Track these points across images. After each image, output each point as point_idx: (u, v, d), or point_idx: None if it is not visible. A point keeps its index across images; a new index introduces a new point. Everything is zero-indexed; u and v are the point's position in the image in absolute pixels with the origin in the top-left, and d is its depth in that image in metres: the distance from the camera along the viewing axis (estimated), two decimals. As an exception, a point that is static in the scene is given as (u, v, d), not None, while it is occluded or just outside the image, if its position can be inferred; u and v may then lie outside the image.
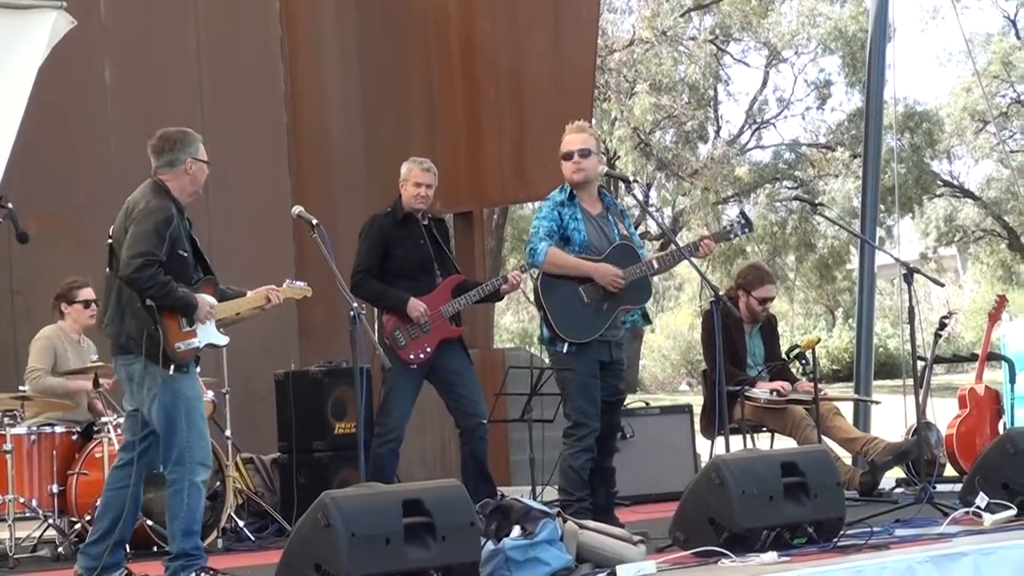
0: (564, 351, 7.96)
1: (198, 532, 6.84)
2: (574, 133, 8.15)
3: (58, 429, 8.64)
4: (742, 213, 8.65)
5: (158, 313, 6.64)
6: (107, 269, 6.93)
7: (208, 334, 6.87)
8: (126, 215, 6.79)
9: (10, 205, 7.14)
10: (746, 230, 8.45)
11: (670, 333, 39.10)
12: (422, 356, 8.63)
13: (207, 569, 6.79)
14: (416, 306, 8.58)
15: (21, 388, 8.68)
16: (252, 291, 7.32)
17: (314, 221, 7.04)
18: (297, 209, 7.24)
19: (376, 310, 8.76)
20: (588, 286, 8.00)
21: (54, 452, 8.55)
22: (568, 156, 8.09)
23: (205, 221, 12.28)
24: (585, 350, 7.95)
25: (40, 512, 8.51)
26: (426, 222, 8.86)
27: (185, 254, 6.80)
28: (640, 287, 8.14)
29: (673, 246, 8.27)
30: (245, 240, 12.43)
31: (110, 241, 6.86)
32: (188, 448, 6.72)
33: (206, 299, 6.83)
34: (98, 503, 7.12)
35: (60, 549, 8.38)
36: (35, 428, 8.62)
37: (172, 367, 6.68)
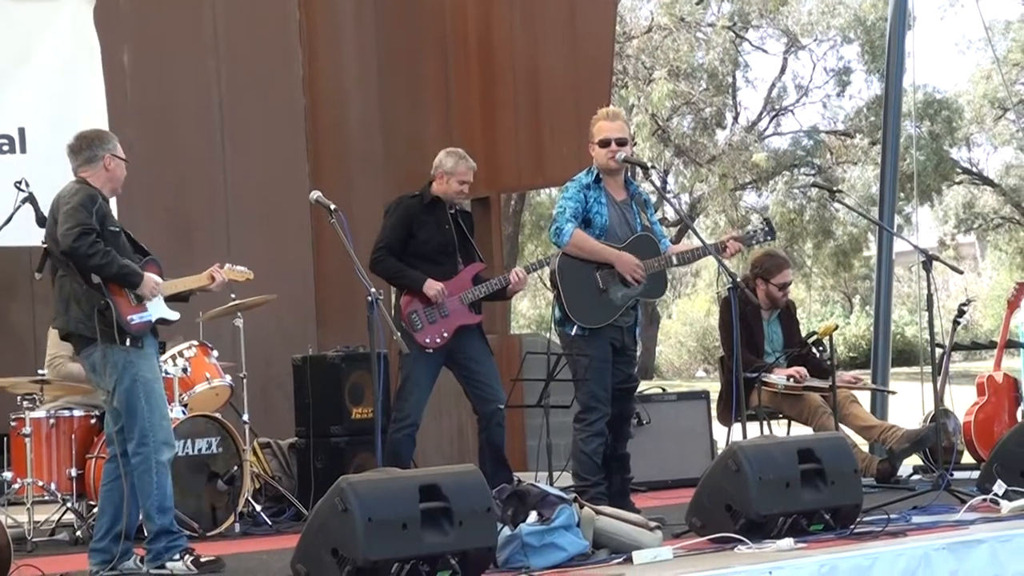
0: (575, 333, 7.97)
1: (171, 508, 6.90)
2: (610, 120, 8.15)
3: (77, 413, 8.66)
4: (766, 220, 8.65)
5: (106, 288, 6.71)
6: (37, 272, 7.00)
7: (158, 308, 6.96)
8: (53, 209, 6.91)
9: (30, 190, 7.17)
10: (769, 237, 8.47)
11: (687, 320, 39.09)
12: (438, 341, 8.63)
13: (190, 550, 6.83)
14: (433, 285, 8.58)
15: (40, 372, 8.70)
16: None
17: (332, 206, 7.05)
18: (315, 194, 7.25)
19: (394, 293, 8.76)
20: (605, 272, 8.00)
21: (72, 436, 8.57)
22: (606, 143, 8.09)
23: (222, 205, 12.35)
24: (597, 334, 7.96)
25: (58, 496, 8.53)
26: (453, 210, 8.86)
27: (116, 229, 6.89)
28: (657, 279, 8.16)
29: (697, 240, 8.27)
30: (262, 225, 12.45)
31: (44, 245, 6.94)
32: (151, 429, 6.80)
33: (150, 275, 6.91)
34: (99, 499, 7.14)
35: (78, 533, 8.41)
36: (54, 412, 8.64)
37: (128, 341, 6.74)
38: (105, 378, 6.82)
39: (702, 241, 8.20)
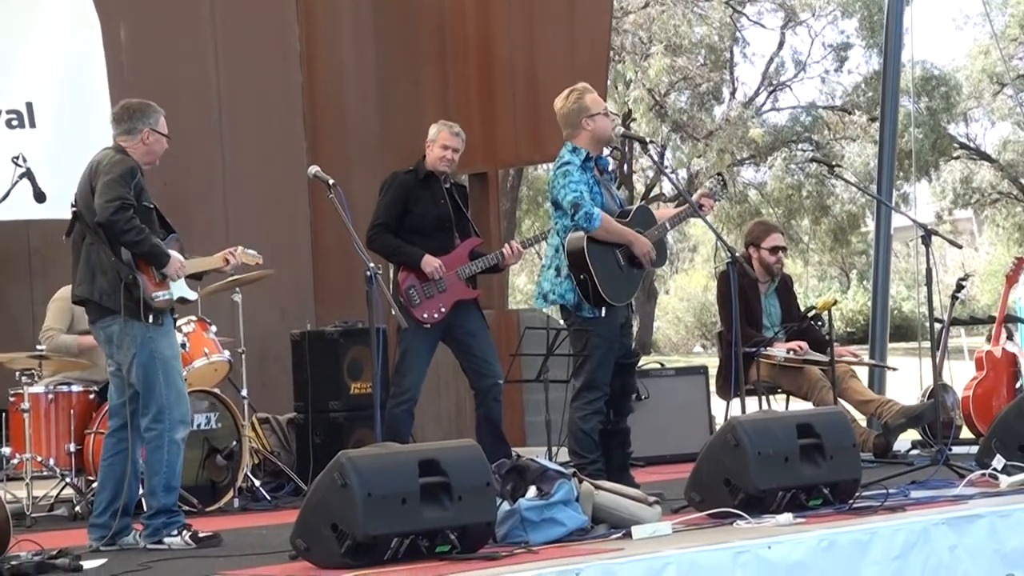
0: (595, 316, 7.91)
1: (178, 488, 6.92)
2: (595, 92, 8.14)
3: (75, 388, 8.66)
4: (719, 174, 8.78)
5: (135, 264, 6.73)
6: (65, 237, 7.00)
7: (180, 287, 6.99)
8: (90, 174, 6.89)
9: (28, 165, 7.16)
10: (723, 189, 8.65)
11: (684, 295, 39.10)
12: (436, 316, 8.63)
13: (187, 527, 6.83)
14: (430, 261, 8.58)
15: (39, 347, 8.70)
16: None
17: (331, 181, 7.04)
18: (314, 169, 7.24)
19: (391, 268, 8.76)
20: (623, 250, 7.98)
21: (71, 411, 8.57)
22: (607, 113, 8.07)
23: (220, 180, 12.33)
24: (612, 314, 7.94)
25: (57, 471, 8.54)
26: (448, 185, 8.85)
27: (151, 206, 6.90)
28: (660, 249, 8.17)
29: (687, 205, 8.29)
30: (260, 200, 12.44)
31: (74, 209, 6.93)
32: (167, 406, 6.79)
33: (177, 255, 6.92)
34: (99, 473, 7.14)
35: (77, 508, 8.41)
36: (52, 387, 8.64)
37: (151, 317, 6.75)
38: (122, 351, 6.80)
39: (692, 205, 8.22)
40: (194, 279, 7.37)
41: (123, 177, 6.75)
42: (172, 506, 6.85)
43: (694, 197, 8.40)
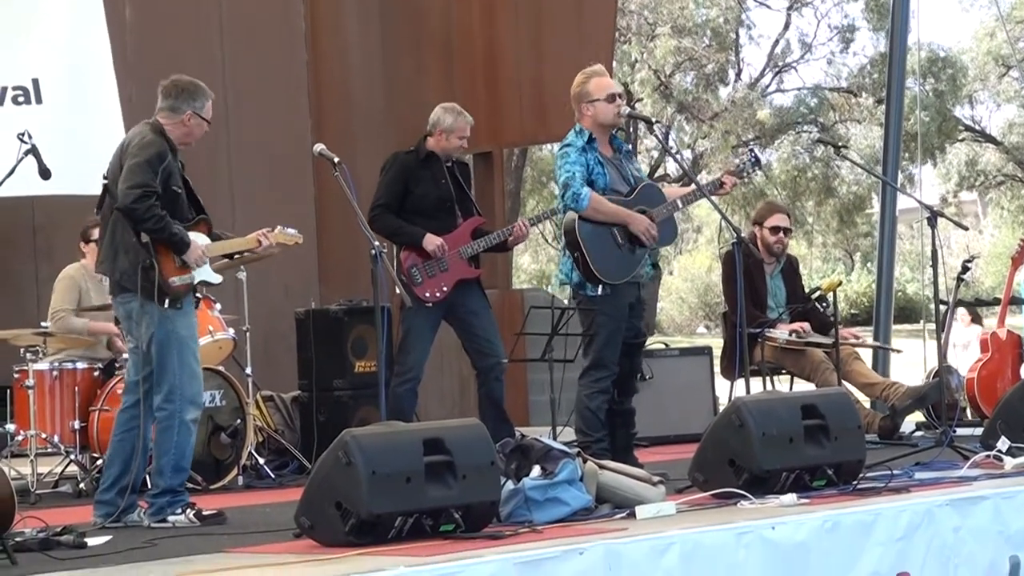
0: (598, 294, 7.92)
1: (187, 470, 6.92)
2: (605, 76, 8.15)
3: (80, 365, 8.66)
4: (751, 150, 8.72)
5: (153, 248, 6.71)
6: (96, 210, 7.00)
7: (202, 272, 6.96)
8: (121, 152, 6.86)
9: (33, 142, 7.14)
10: (756, 167, 8.59)
11: (688, 276, 39.10)
12: (438, 295, 8.62)
13: (192, 505, 6.83)
14: (432, 240, 8.57)
15: (43, 324, 8.70)
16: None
17: (336, 159, 7.03)
18: (319, 147, 7.22)
19: (394, 248, 8.75)
20: (620, 229, 7.98)
21: (76, 388, 8.58)
22: (613, 98, 8.05)
23: (225, 159, 12.31)
24: (617, 293, 7.94)
25: (62, 448, 8.55)
26: (449, 164, 8.84)
27: (179, 190, 6.88)
28: (667, 226, 8.15)
29: (694, 185, 8.28)
30: (264, 178, 12.44)
31: (105, 182, 6.92)
32: (179, 386, 6.79)
33: (199, 243, 6.90)
34: (108, 448, 7.15)
35: (81, 485, 8.42)
36: (57, 364, 8.64)
37: (167, 301, 6.74)
38: (141, 328, 6.80)
39: (698, 185, 8.22)
40: (227, 259, 7.32)
41: (150, 162, 6.72)
42: (178, 487, 6.84)
43: (721, 174, 8.41)
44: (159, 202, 6.70)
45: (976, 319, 14.95)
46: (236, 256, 7.74)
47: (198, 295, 7.23)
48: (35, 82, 10.00)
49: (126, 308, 6.87)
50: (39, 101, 9.97)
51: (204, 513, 6.79)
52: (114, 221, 6.83)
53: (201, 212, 7.05)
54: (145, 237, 6.72)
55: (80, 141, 9.74)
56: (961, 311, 15.86)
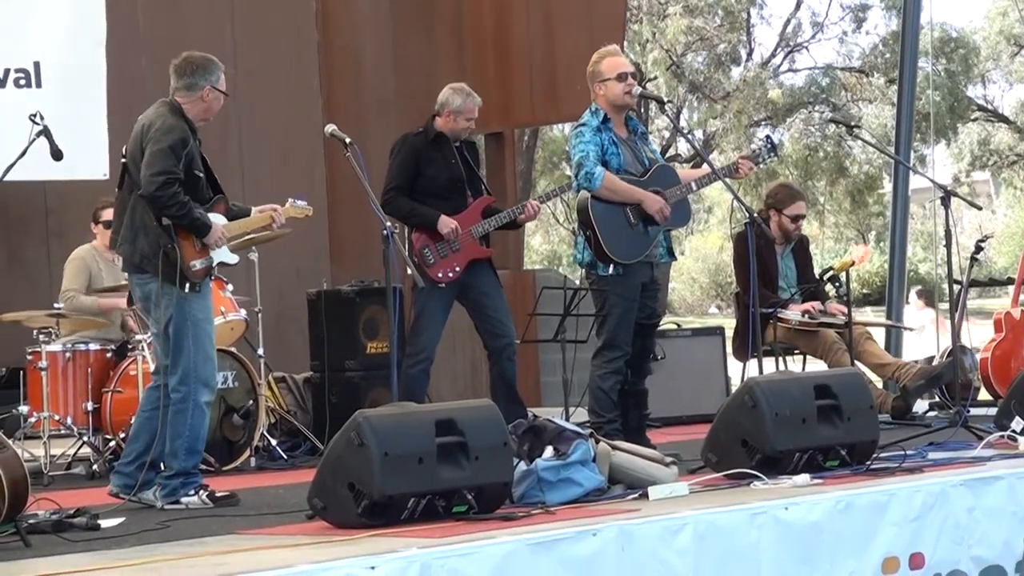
0: (610, 273, 7.92)
1: (200, 452, 6.93)
2: (617, 56, 8.14)
3: (93, 347, 8.67)
4: (768, 137, 8.69)
5: (174, 231, 6.71)
6: (117, 189, 6.99)
7: (220, 253, 6.97)
8: (142, 134, 6.85)
9: (45, 123, 7.13)
10: (773, 153, 8.53)
11: (699, 256, 39.03)
12: (451, 275, 8.62)
13: (204, 487, 6.84)
14: (447, 222, 8.56)
15: (56, 306, 8.70)
16: (256, 209, 7.38)
17: (347, 139, 7.02)
18: (330, 128, 7.21)
19: (406, 229, 8.75)
20: (634, 208, 7.97)
21: (89, 370, 8.58)
22: (623, 77, 8.04)
23: (236, 139, 12.30)
24: (630, 272, 7.93)
25: (75, 429, 8.56)
26: (457, 143, 8.82)
27: (200, 174, 6.89)
28: (681, 208, 8.15)
29: (707, 167, 8.27)
30: (276, 159, 12.43)
31: (124, 160, 6.91)
32: (193, 368, 6.80)
33: (218, 225, 6.91)
34: (132, 424, 7.16)
35: (95, 466, 8.44)
36: (70, 346, 8.65)
37: (187, 286, 6.75)
38: (160, 310, 6.80)
39: (712, 167, 8.21)
40: (239, 238, 7.33)
41: (173, 148, 6.71)
42: (192, 469, 6.85)
43: (736, 158, 8.40)
44: (181, 188, 6.70)
45: (930, 303, 14.94)
46: (250, 235, 7.73)
47: (217, 278, 7.22)
48: (36, 65, 9.97)
49: (144, 289, 6.88)
50: (39, 85, 9.94)
51: (217, 495, 6.80)
52: (134, 202, 6.83)
53: (218, 191, 7.05)
54: (166, 220, 6.72)
55: (73, 126, 9.70)
56: (913, 296, 15.89)
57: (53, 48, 10.10)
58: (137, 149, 6.82)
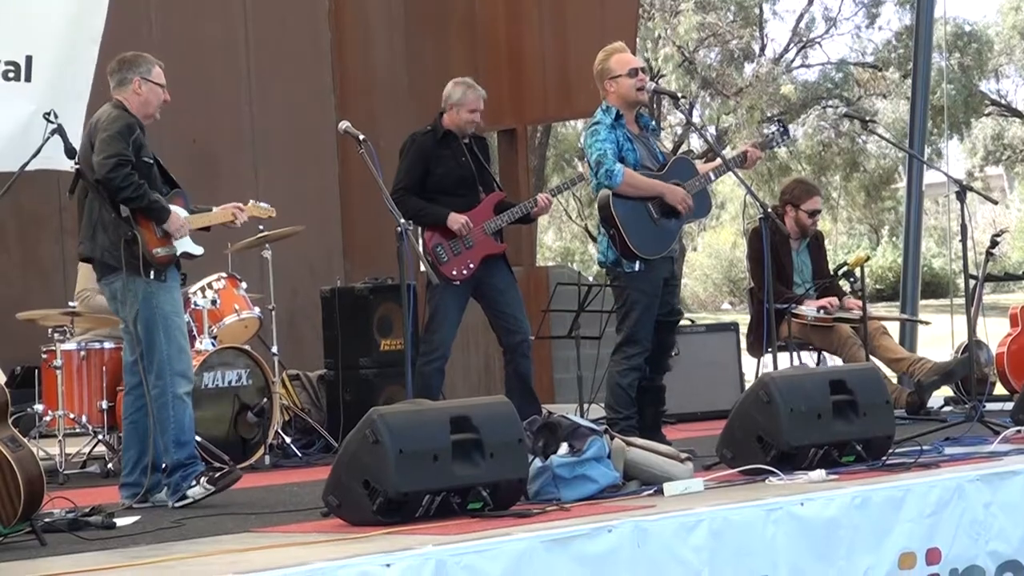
0: (635, 270, 7.90)
1: (190, 442, 6.91)
2: (626, 52, 8.12)
3: (107, 345, 8.66)
4: (780, 122, 8.68)
5: (134, 220, 6.71)
6: (69, 194, 7.00)
7: (184, 243, 6.95)
8: (90, 132, 6.89)
9: (59, 121, 7.15)
10: (784, 138, 8.56)
11: (712, 252, 39.00)
12: (465, 272, 8.60)
13: (205, 472, 6.84)
14: (456, 219, 8.55)
15: (71, 304, 8.70)
16: (219, 207, 7.37)
17: (361, 137, 7.02)
18: (344, 124, 7.21)
19: (419, 228, 8.74)
20: (655, 203, 7.96)
21: (103, 368, 8.57)
22: (634, 72, 8.03)
23: (249, 137, 12.32)
24: (653, 268, 7.92)
25: (90, 428, 8.55)
26: (466, 140, 8.80)
27: (150, 161, 6.88)
28: (702, 198, 8.15)
29: (719, 159, 8.25)
30: (289, 157, 12.43)
31: (77, 166, 6.93)
32: (167, 361, 6.80)
33: (179, 213, 6.90)
34: (123, 434, 7.15)
35: (109, 465, 8.44)
36: (84, 344, 8.64)
37: (152, 273, 6.75)
38: (126, 307, 6.82)
39: (723, 159, 8.20)
40: (203, 231, 7.32)
41: (121, 133, 6.74)
42: (186, 460, 6.83)
43: (742, 147, 8.40)
44: (135, 171, 6.71)
45: None
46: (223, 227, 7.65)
47: (183, 273, 7.20)
48: (28, 59, 9.90)
49: (111, 289, 6.89)
50: (28, 79, 9.88)
51: (216, 476, 6.79)
52: (90, 202, 6.84)
53: (175, 187, 7.04)
54: (125, 211, 6.70)
55: (68, 121, 9.64)
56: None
57: (48, 43, 10.03)
58: (87, 145, 6.87)
